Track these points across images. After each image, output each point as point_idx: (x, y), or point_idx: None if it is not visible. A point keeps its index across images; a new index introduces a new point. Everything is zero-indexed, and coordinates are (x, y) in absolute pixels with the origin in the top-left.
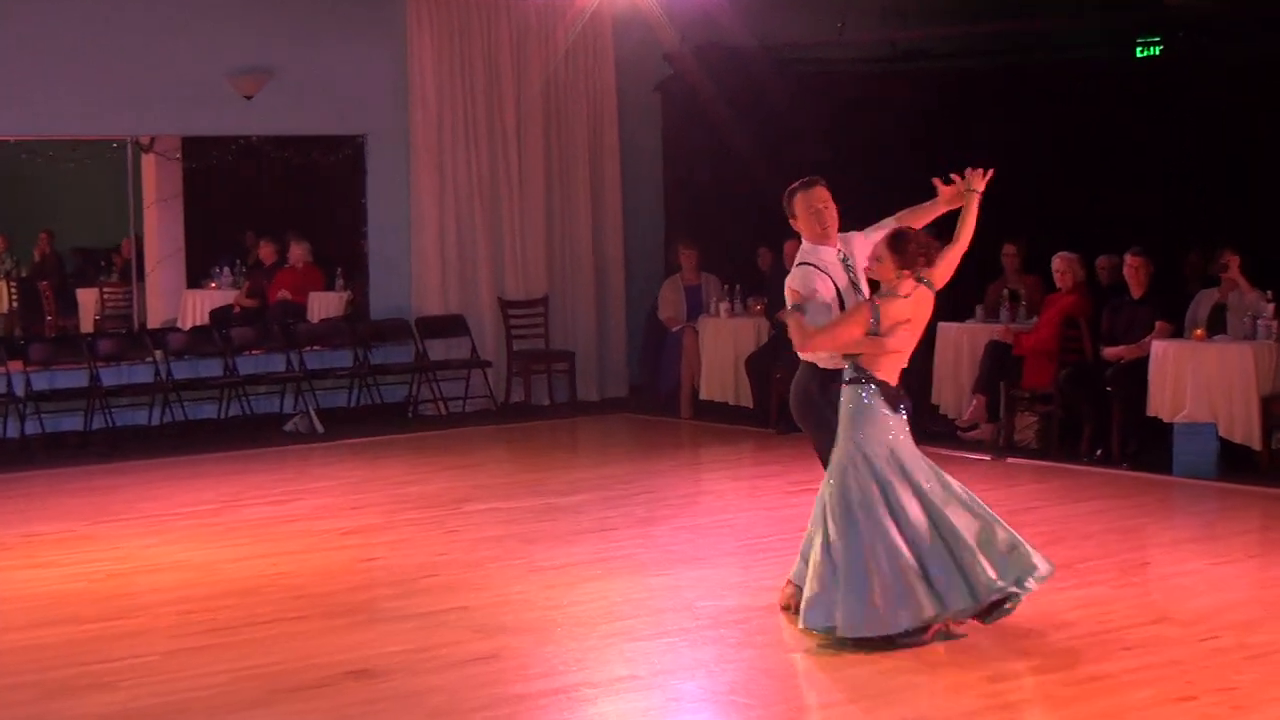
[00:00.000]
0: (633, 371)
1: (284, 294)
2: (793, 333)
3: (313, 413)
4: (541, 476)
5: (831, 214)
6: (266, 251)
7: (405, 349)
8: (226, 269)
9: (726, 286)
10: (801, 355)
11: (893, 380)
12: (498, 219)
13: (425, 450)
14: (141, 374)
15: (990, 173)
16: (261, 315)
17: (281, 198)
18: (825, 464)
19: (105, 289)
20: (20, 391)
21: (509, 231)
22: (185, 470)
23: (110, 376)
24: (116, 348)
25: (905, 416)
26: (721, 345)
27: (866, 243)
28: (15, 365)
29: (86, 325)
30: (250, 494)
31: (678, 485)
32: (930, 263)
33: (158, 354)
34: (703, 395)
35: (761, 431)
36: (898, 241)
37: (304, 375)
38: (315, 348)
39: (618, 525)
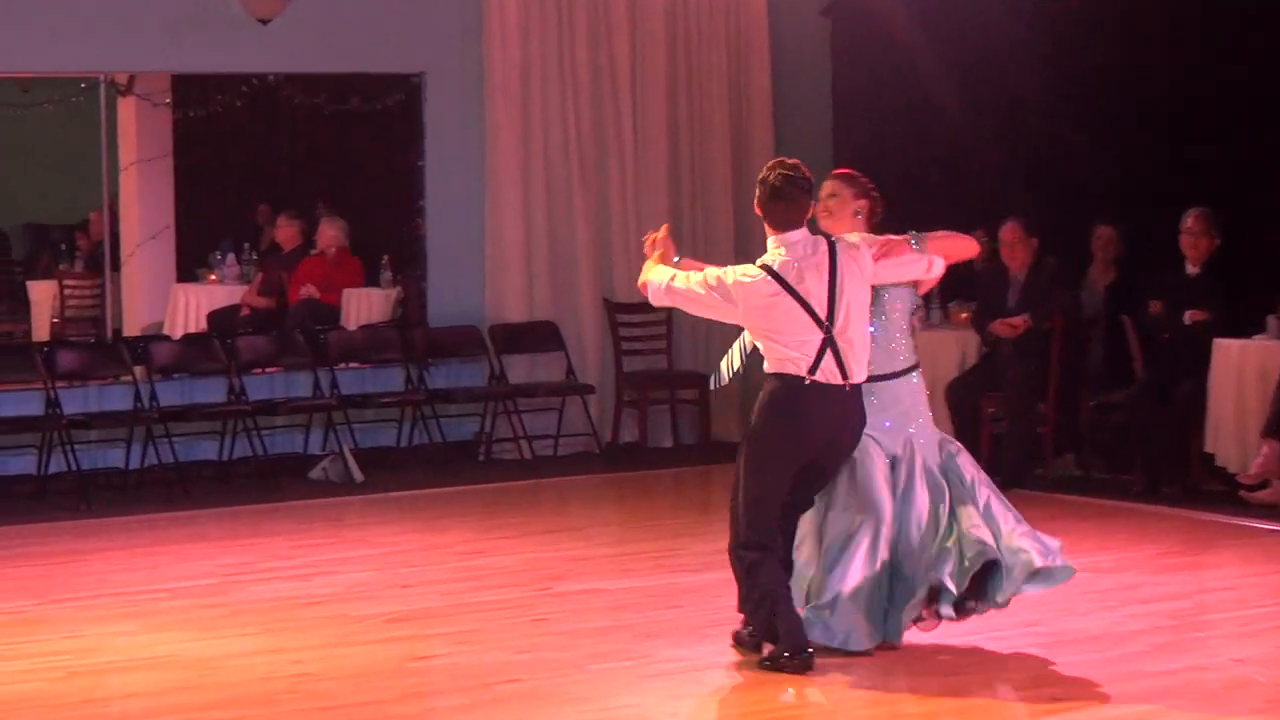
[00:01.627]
0: None
1: (309, 290)
2: None
3: (349, 454)
4: (662, 546)
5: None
6: (287, 233)
7: (476, 368)
8: (232, 256)
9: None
10: None
11: None
12: (604, 191)
13: (502, 508)
14: (116, 398)
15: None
16: (279, 320)
17: (308, 159)
18: None
19: (66, 281)
20: None
21: (619, 209)
22: (174, 531)
23: (73, 402)
24: (81, 362)
25: None
26: None
27: None
28: None
29: (40, 332)
30: (262, 564)
31: None
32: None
33: (138, 371)
34: None
35: None
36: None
37: (337, 403)
38: (352, 365)
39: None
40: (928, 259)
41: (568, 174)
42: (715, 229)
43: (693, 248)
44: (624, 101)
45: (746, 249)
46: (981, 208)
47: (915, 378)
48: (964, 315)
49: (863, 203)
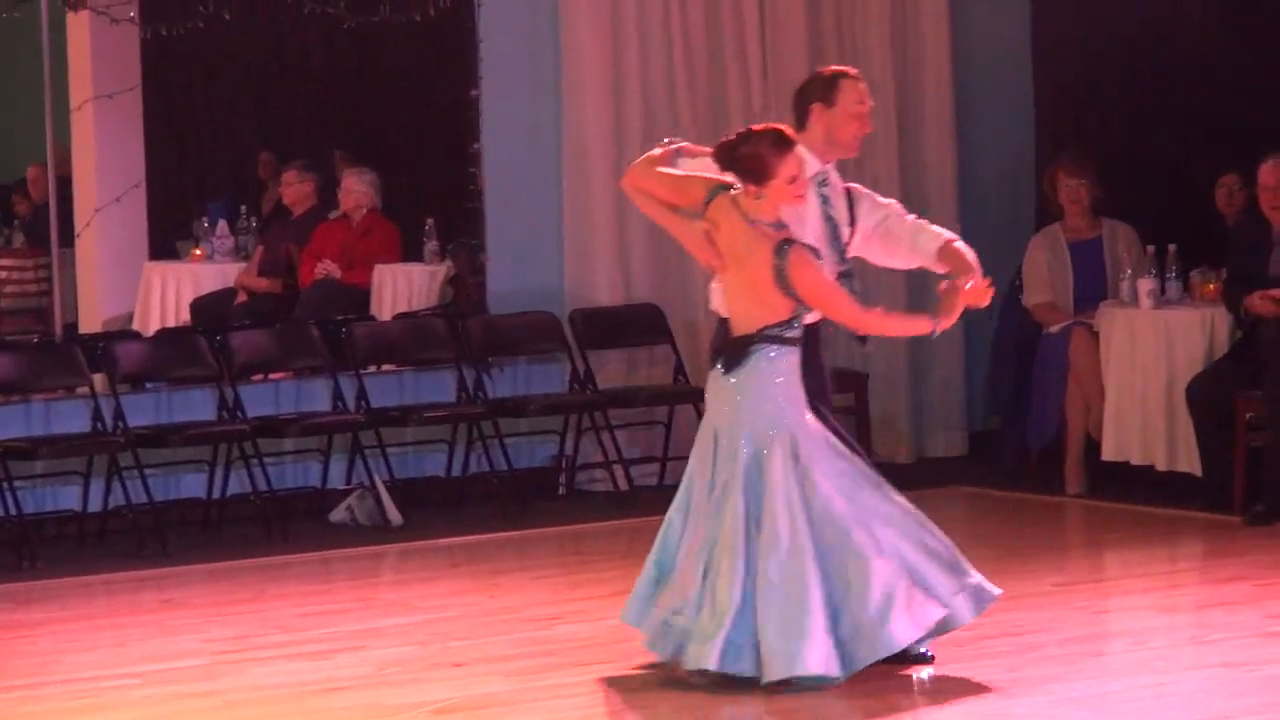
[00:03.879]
0: (977, 409)
1: (327, 268)
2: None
3: (383, 489)
4: None
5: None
6: (296, 190)
7: (554, 370)
8: (223, 223)
9: (1150, 247)
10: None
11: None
12: (724, 128)
13: (589, 558)
14: (69, 418)
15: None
16: (287, 309)
17: (324, 92)
18: None
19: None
20: None
21: None
22: (147, 595)
23: (10, 423)
24: (20, 370)
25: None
26: (1142, 358)
27: (869, 216)
28: None
29: None
30: (266, 639)
31: (1067, 622)
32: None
33: (97, 380)
34: (1106, 454)
35: (1219, 520)
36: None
37: (366, 419)
38: (386, 368)
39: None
40: None
41: (673, 105)
42: (879, 179)
43: None
44: (748, 7)
45: (920, 211)
46: (1234, 143)
47: None
48: (1211, 287)
49: None
